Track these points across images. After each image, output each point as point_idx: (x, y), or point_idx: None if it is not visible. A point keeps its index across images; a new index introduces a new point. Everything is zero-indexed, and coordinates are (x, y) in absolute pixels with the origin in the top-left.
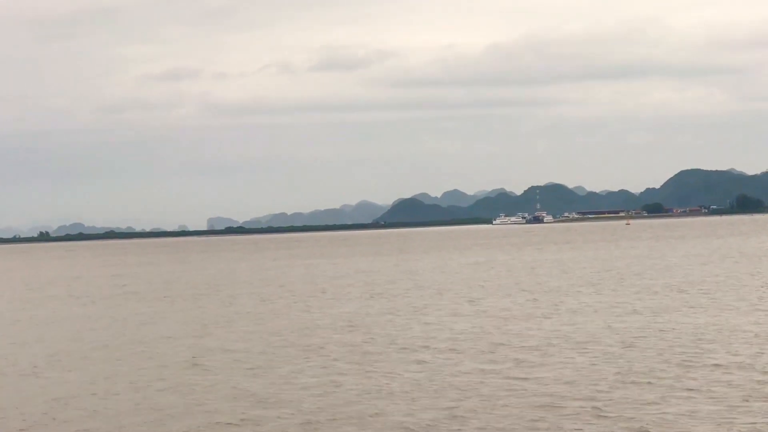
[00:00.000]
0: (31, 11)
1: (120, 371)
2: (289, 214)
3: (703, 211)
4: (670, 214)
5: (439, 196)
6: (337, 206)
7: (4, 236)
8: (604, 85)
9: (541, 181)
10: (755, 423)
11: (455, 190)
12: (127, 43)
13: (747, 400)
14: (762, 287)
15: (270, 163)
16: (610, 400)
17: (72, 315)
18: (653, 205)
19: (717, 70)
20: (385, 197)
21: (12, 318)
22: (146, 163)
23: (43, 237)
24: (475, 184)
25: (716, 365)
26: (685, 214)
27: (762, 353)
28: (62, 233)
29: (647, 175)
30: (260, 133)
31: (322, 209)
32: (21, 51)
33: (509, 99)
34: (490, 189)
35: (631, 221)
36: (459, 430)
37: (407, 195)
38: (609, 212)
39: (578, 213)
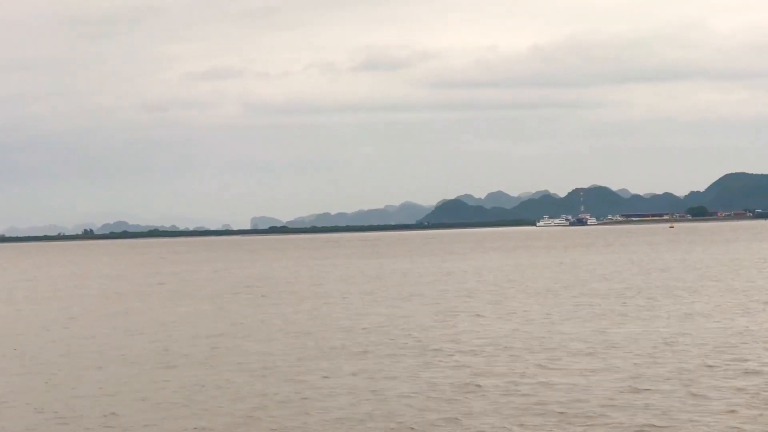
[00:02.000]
0: (76, 9)
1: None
2: (332, 214)
3: (747, 215)
4: (714, 217)
5: (482, 197)
6: (381, 206)
7: (49, 234)
8: (647, 88)
9: (585, 184)
10: None
11: (499, 192)
12: (171, 41)
13: None
14: None
15: (314, 163)
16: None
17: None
18: (698, 208)
19: (761, 73)
20: (428, 198)
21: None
22: (190, 161)
23: (88, 235)
24: (519, 186)
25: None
26: (729, 217)
27: None
28: (106, 231)
29: (692, 178)
30: (303, 133)
31: (366, 209)
32: (65, 49)
33: (552, 100)
34: (533, 191)
35: (675, 224)
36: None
37: (451, 196)
38: (653, 215)
39: (622, 216)
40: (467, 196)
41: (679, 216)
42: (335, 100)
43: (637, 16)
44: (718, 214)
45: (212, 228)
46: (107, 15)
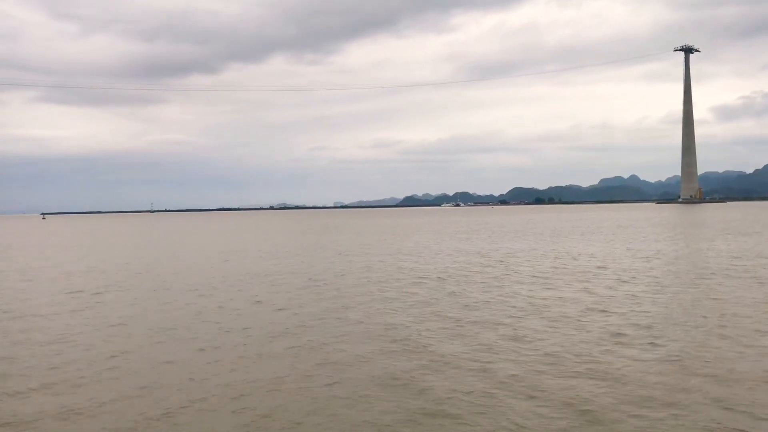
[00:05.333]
0: (271, 122)
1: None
2: (371, 200)
3: (523, 202)
4: (510, 204)
5: (420, 195)
6: (387, 197)
7: (252, 207)
8: (481, 154)
9: (460, 190)
10: None
11: (427, 193)
12: (300, 135)
13: None
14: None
15: (356, 177)
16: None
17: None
18: (503, 201)
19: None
20: (398, 194)
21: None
22: (308, 179)
23: (272, 209)
24: (436, 190)
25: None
26: (517, 204)
27: None
28: (281, 207)
29: (500, 186)
30: (355, 167)
31: (380, 198)
32: (264, 146)
33: (445, 159)
34: (440, 193)
35: (495, 207)
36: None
37: (409, 194)
38: (486, 203)
39: (473, 203)
40: (414, 194)
41: (496, 204)
42: (365, 158)
43: (471, 129)
44: (512, 203)
45: (326, 205)
46: (287, 124)
